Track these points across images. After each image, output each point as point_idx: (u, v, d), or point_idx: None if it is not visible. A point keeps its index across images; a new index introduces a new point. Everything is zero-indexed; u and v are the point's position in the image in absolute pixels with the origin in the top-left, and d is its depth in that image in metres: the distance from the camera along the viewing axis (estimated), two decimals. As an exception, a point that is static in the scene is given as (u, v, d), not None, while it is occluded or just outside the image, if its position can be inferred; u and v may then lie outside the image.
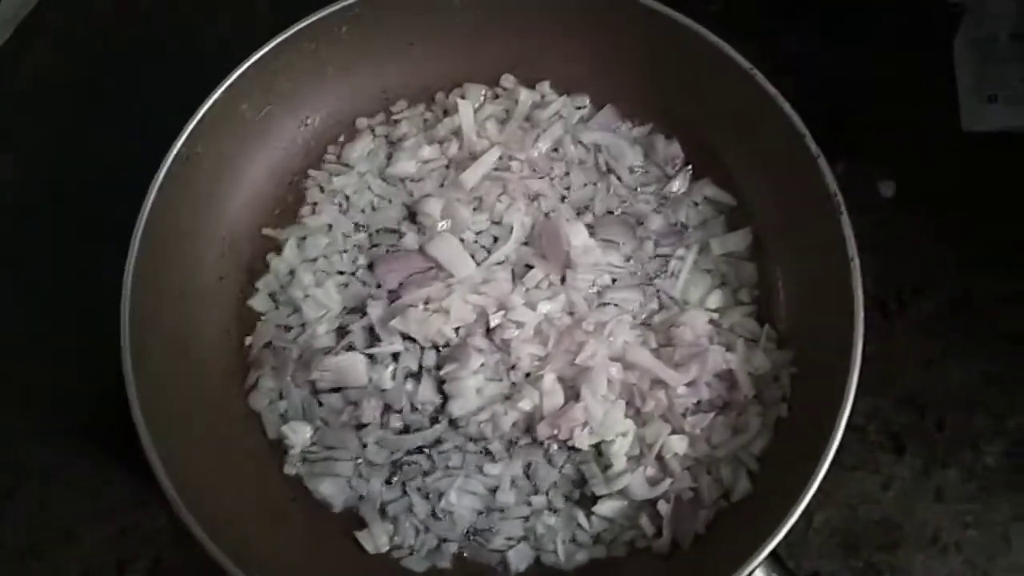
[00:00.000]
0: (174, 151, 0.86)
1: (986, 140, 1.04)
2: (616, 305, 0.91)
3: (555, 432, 0.84)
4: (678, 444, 0.85)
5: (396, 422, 0.89)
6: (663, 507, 0.84)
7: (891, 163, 1.05)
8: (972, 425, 0.97)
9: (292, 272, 0.95)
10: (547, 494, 0.87)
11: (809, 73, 1.03)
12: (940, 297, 1.01)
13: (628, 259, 0.93)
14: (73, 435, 0.97)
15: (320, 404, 0.90)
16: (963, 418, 0.97)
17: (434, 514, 0.87)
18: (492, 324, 0.88)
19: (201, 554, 0.75)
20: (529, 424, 0.87)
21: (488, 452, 0.88)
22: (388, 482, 0.88)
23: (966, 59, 1.06)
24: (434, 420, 0.90)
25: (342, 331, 0.93)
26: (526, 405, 0.86)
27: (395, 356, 0.91)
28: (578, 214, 0.95)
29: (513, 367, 0.89)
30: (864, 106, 1.06)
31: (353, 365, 0.89)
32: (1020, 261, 1.00)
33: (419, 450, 0.89)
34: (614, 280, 0.93)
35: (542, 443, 0.87)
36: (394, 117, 1.01)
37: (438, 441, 0.89)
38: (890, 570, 0.92)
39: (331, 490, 0.88)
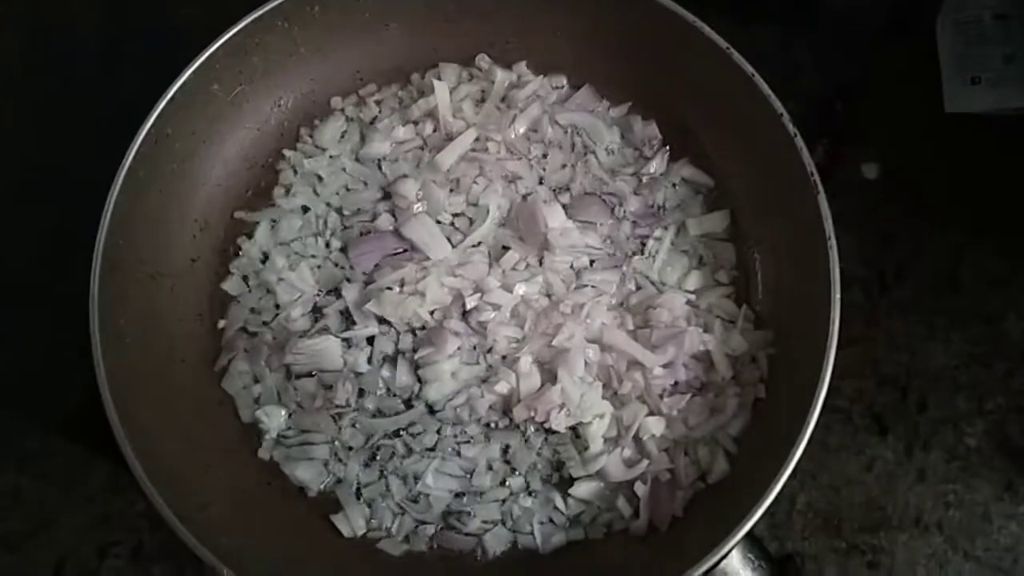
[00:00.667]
0: (143, 132, 0.85)
1: (969, 122, 1.04)
2: (593, 287, 0.90)
3: (532, 414, 0.84)
4: (655, 425, 0.85)
5: (370, 404, 0.88)
6: (640, 489, 0.83)
7: (874, 145, 1.05)
8: (954, 406, 0.97)
9: (266, 255, 0.94)
10: (524, 476, 0.87)
11: (792, 55, 1.02)
12: (923, 279, 1.01)
13: (606, 239, 0.93)
14: (48, 423, 0.96)
15: (295, 389, 0.89)
16: (945, 399, 0.97)
17: (411, 497, 0.86)
18: (468, 307, 0.87)
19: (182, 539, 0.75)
20: (506, 407, 0.87)
21: (465, 435, 0.88)
22: (365, 465, 0.88)
23: (949, 41, 1.06)
24: (409, 404, 0.89)
25: (317, 314, 0.92)
26: (503, 388, 0.86)
27: (370, 340, 0.90)
28: (556, 195, 0.95)
29: (490, 350, 0.88)
30: (847, 88, 1.06)
31: (328, 348, 0.88)
32: (1003, 243, 1.01)
33: (396, 433, 0.88)
34: (592, 262, 0.92)
35: (519, 426, 0.87)
36: (368, 98, 1.00)
37: (413, 424, 0.88)
38: (872, 551, 0.93)
39: (307, 474, 0.87)
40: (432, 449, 0.87)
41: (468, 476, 0.87)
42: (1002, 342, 0.98)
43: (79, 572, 0.93)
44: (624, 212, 0.93)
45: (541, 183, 0.95)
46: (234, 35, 0.88)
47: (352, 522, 0.85)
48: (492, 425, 0.88)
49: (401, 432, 0.88)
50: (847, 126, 1.05)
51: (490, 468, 0.86)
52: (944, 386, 0.98)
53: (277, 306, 0.92)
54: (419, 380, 0.88)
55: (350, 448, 0.88)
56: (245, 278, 0.94)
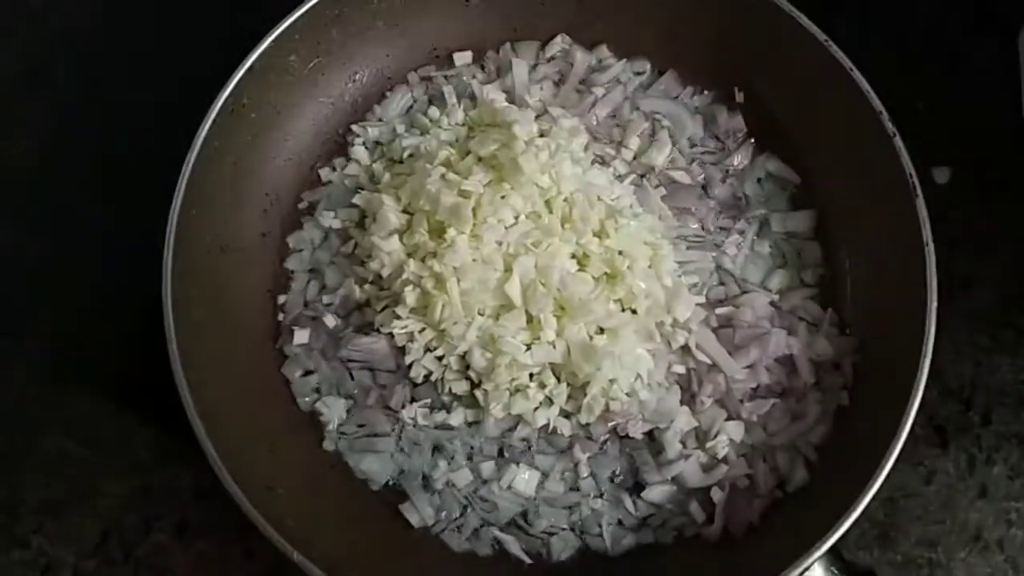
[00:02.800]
0: (220, 102, 0.83)
1: (1047, 130, 1.01)
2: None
3: (611, 427, 0.83)
4: (735, 430, 0.83)
5: (424, 410, 0.86)
6: (716, 494, 0.82)
7: (947, 149, 1.02)
8: (1019, 421, 0.95)
9: (326, 234, 0.92)
10: (596, 480, 0.84)
11: (868, 53, 1.00)
12: (991, 290, 0.99)
13: (701, 225, 0.91)
14: (96, 389, 0.94)
15: (352, 378, 0.87)
16: (1010, 413, 0.95)
17: (479, 495, 0.84)
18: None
19: (227, 514, 0.74)
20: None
21: (538, 445, 0.86)
22: (431, 454, 0.86)
23: (1031, 48, 1.03)
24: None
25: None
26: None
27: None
28: (642, 177, 0.92)
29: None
30: (923, 90, 1.03)
31: (380, 349, 0.86)
32: (1076, 256, 0.98)
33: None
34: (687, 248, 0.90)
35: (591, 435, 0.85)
36: (441, 74, 0.98)
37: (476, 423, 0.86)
38: (929, 565, 0.91)
39: (372, 466, 0.85)
40: (501, 454, 0.85)
41: (541, 482, 0.84)
42: (1070, 358, 0.96)
43: (123, 544, 0.91)
44: (711, 198, 0.92)
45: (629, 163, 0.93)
46: (314, 5, 0.86)
47: (421, 511, 0.83)
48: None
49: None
50: (920, 128, 1.02)
51: (562, 476, 0.84)
52: (1009, 400, 0.95)
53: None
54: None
55: (415, 443, 0.86)
56: (303, 256, 0.92)
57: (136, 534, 0.91)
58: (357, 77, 0.96)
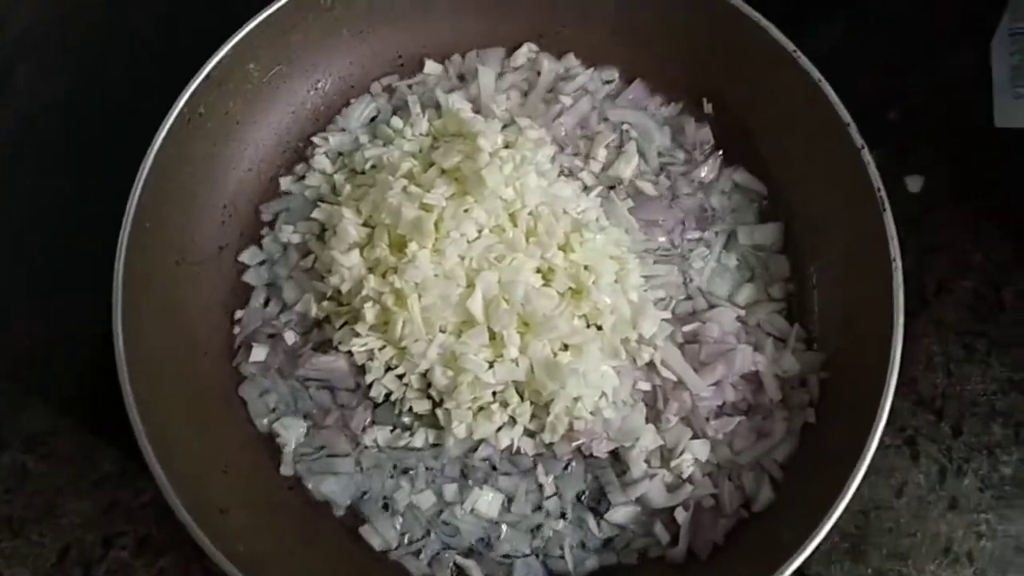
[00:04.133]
0: (175, 111, 0.82)
1: (1020, 137, 1.00)
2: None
3: (575, 446, 0.82)
4: (700, 449, 0.82)
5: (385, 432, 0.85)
6: (680, 515, 0.81)
7: (919, 157, 1.02)
8: (990, 432, 0.94)
9: (285, 247, 0.91)
10: (560, 500, 0.83)
11: (839, 61, 0.99)
12: (964, 299, 0.98)
13: (668, 238, 0.90)
14: (57, 406, 0.93)
15: (311, 398, 0.86)
16: (980, 424, 0.94)
17: (441, 519, 0.83)
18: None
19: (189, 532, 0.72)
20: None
21: (502, 466, 0.84)
22: (390, 477, 0.84)
23: (1004, 53, 1.02)
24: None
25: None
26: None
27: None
28: (611, 189, 0.91)
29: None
30: (896, 98, 1.03)
31: (341, 367, 0.84)
32: (1051, 263, 0.97)
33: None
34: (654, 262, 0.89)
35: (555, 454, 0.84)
36: (405, 81, 0.96)
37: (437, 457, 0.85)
38: (899, 578, 0.90)
39: (333, 488, 0.84)
40: (464, 475, 0.84)
41: (505, 505, 0.83)
42: (1044, 370, 0.96)
43: (84, 561, 0.90)
44: (679, 209, 0.91)
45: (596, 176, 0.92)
46: (274, 12, 0.85)
47: (383, 534, 0.82)
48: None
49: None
50: (891, 136, 1.02)
51: (526, 498, 0.83)
52: (980, 411, 0.95)
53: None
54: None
55: (376, 465, 0.84)
56: (261, 271, 0.91)
57: (96, 551, 0.90)
58: (319, 85, 0.95)
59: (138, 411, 0.74)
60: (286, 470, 0.84)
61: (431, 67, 0.97)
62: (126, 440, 0.74)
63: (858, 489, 0.90)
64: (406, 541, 0.82)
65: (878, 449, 0.91)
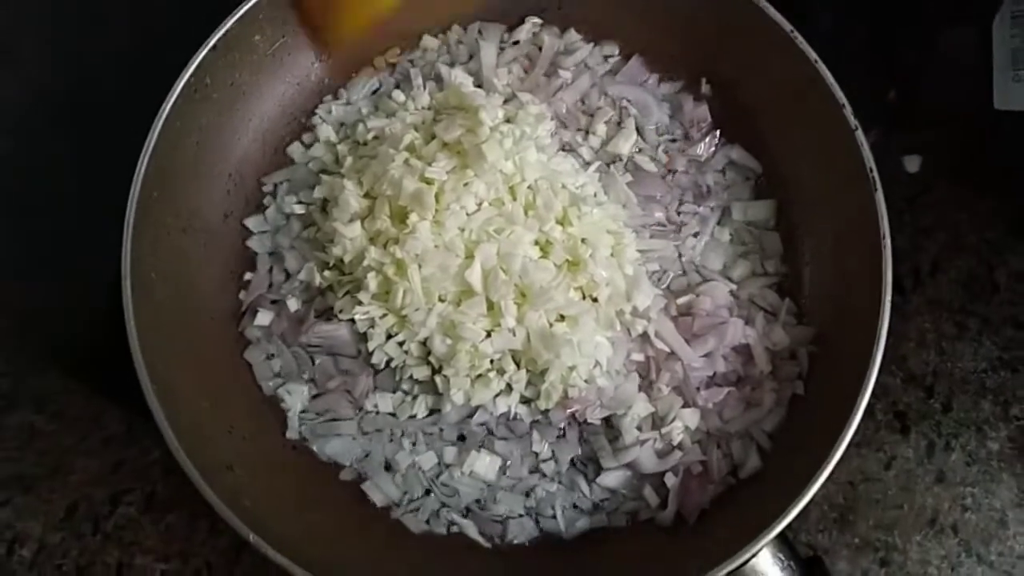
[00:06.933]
0: (182, 81, 0.83)
1: (1018, 119, 1.00)
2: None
3: (569, 413, 0.83)
4: (690, 417, 0.84)
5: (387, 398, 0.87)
6: (670, 479, 0.82)
7: (917, 137, 1.03)
8: (979, 409, 0.96)
9: (288, 217, 0.92)
10: (556, 462, 0.85)
11: (840, 42, 0.99)
12: (958, 278, 1.00)
13: (664, 213, 0.91)
14: (67, 365, 0.95)
15: (313, 363, 0.88)
16: (969, 401, 0.96)
17: (440, 480, 0.85)
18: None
19: (195, 489, 0.74)
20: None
21: (499, 431, 0.86)
22: (390, 440, 0.86)
23: (1003, 36, 1.02)
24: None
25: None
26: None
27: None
28: (609, 165, 0.92)
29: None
30: (894, 78, 1.04)
31: (343, 335, 0.86)
32: (1044, 248, 0.98)
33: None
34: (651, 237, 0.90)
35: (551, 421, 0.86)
36: (410, 57, 0.97)
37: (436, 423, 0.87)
38: (886, 548, 0.92)
39: (337, 449, 0.85)
40: (462, 439, 0.86)
41: (502, 468, 0.85)
42: (1034, 349, 0.97)
43: (92, 517, 0.92)
44: (676, 188, 0.92)
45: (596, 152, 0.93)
46: (280, -17, 0.85)
47: (384, 490, 0.84)
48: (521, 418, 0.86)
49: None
50: (890, 116, 1.02)
51: (522, 461, 0.85)
52: (971, 388, 0.97)
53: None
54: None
55: (377, 428, 0.86)
56: (264, 240, 0.92)
57: (104, 507, 0.92)
58: (323, 58, 0.95)
59: (147, 371, 0.75)
60: (291, 434, 0.86)
61: (428, 41, 0.97)
62: (134, 401, 0.75)
63: (847, 461, 0.94)
64: (406, 500, 0.84)
65: (868, 423, 0.95)
